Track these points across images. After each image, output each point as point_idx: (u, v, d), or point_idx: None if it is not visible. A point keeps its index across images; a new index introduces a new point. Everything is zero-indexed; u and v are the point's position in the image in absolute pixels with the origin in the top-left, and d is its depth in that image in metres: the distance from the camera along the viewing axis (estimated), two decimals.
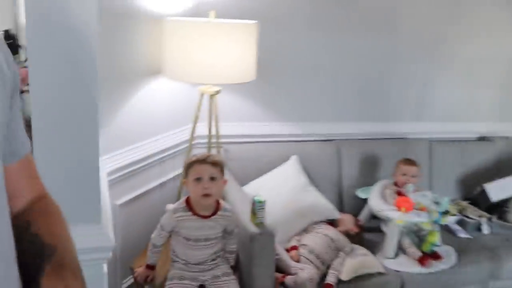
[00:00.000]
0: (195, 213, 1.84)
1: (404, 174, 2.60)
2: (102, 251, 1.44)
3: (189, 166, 1.84)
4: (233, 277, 1.93)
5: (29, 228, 0.75)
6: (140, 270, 1.97)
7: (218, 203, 1.89)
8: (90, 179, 1.39)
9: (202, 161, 1.82)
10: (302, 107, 2.88)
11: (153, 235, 1.90)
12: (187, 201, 1.86)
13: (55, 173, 1.35)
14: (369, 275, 2.29)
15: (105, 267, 1.50)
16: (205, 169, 1.81)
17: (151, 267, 1.96)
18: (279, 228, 2.30)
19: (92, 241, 1.42)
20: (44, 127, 1.31)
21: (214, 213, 1.86)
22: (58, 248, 0.81)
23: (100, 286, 1.50)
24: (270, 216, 2.26)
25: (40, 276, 0.75)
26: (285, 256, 2.22)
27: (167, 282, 1.87)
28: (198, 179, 1.80)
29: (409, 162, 2.63)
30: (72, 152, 1.35)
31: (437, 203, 2.48)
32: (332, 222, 2.54)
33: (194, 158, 1.85)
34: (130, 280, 2.32)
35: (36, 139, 1.31)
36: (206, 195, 1.80)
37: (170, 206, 1.88)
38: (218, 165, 1.83)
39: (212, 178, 1.80)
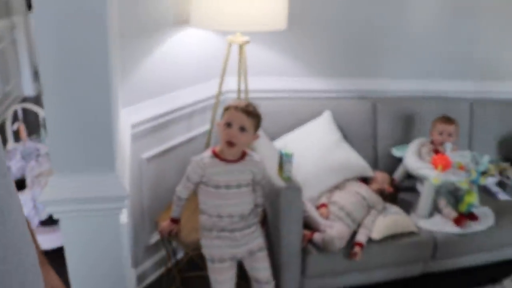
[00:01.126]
0: (222, 159, 1.76)
1: (441, 133, 2.48)
2: (116, 201, 1.42)
3: (225, 109, 1.76)
4: (265, 252, 1.88)
5: None
6: (164, 224, 1.95)
7: (244, 151, 1.81)
8: (102, 126, 1.37)
9: (238, 108, 1.72)
10: (336, 62, 2.75)
11: (178, 188, 1.85)
12: (213, 151, 1.79)
13: (66, 120, 1.34)
14: (401, 235, 2.24)
15: (122, 218, 1.49)
16: (237, 117, 1.71)
17: (175, 221, 1.94)
18: (310, 185, 2.26)
19: (106, 190, 1.40)
20: (52, 74, 1.28)
21: (241, 159, 1.79)
22: None
23: (116, 237, 1.49)
24: (301, 172, 2.21)
25: None
26: (314, 213, 2.17)
27: (208, 264, 1.83)
28: (229, 125, 1.72)
29: (446, 120, 2.50)
30: (83, 98, 1.32)
31: (476, 163, 2.37)
32: (366, 180, 2.47)
33: (233, 103, 1.76)
34: (158, 235, 2.33)
35: (45, 87, 1.30)
36: (230, 143, 1.71)
37: (196, 157, 1.81)
38: (253, 117, 1.73)
39: (242, 129, 1.71)
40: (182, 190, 1.84)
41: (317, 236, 2.10)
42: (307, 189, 2.19)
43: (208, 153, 1.79)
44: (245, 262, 1.88)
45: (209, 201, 1.78)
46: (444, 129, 2.48)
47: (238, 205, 1.78)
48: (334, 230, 2.08)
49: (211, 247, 1.81)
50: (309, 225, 2.14)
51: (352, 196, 2.27)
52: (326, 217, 2.19)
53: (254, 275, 1.88)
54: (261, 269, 1.86)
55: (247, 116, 1.71)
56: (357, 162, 2.47)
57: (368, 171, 2.49)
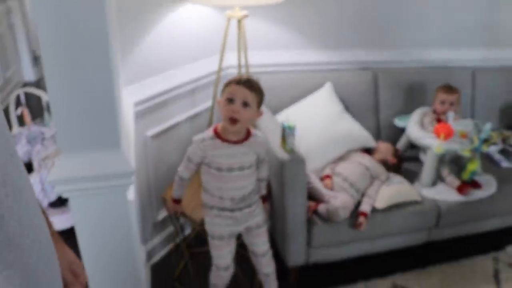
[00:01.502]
0: (224, 140, 1.69)
1: (443, 102, 2.49)
2: (123, 177, 1.45)
3: (226, 85, 1.67)
4: (264, 228, 1.89)
5: None
6: (168, 206, 1.93)
7: (248, 130, 1.74)
8: (106, 104, 1.38)
9: (241, 82, 1.64)
10: (336, 33, 2.74)
11: (180, 168, 1.80)
12: (215, 130, 1.72)
13: (70, 101, 1.35)
14: (405, 204, 2.26)
15: (129, 195, 1.51)
16: (240, 91, 1.62)
17: (177, 201, 1.90)
18: (313, 157, 2.28)
19: (112, 167, 1.43)
20: (53, 56, 1.30)
21: (245, 139, 1.72)
22: None
23: (125, 214, 1.52)
24: (304, 144, 2.23)
25: None
26: (318, 185, 2.20)
27: (209, 238, 1.85)
28: (230, 100, 1.63)
29: (448, 89, 2.50)
30: (85, 78, 1.33)
31: (478, 131, 2.38)
32: (369, 151, 2.49)
33: (234, 78, 1.68)
34: (165, 211, 2.36)
35: (47, 69, 1.31)
36: (233, 120, 1.63)
37: (197, 137, 1.74)
38: (256, 91, 1.65)
39: (245, 104, 1.62)
40: (184, 171, 1.79)
41: (321, 207, 2.13)
42: (310, 161, 2.21)
43: (209, 133, 1.72)
44: (244, 236, 1.91)
45: (212, 182, 1.75)
46: (446, 99, 2.48)
47: (240, 188, 1.75)
48: (338, 201, 2.11)
49: (211, 224, 1.82)
50: (313, 196, 2.16)
51: (355, 167, 2.28)
52: (330, 188, 2.21)
53: (252, 248, 1.91)
54: (259, 244, 1.89)
55: (249, 91, 1.63)
56: (360, 133, 2.48)
57: (371, 142, 2.51)
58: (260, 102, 1.69)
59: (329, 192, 2.17)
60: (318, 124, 2.39)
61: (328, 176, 2.26)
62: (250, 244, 1.91)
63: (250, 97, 1.63)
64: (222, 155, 1.69)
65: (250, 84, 1.65)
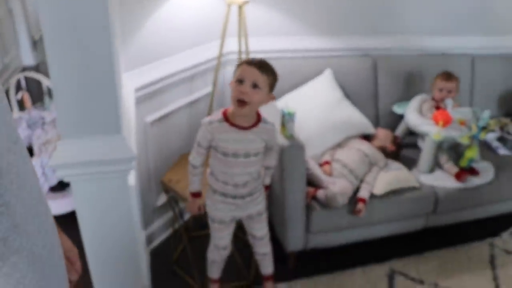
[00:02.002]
0: (232, 125, 1.66)
1: (441, 90, 2.49)
2: (124, 162, 1.46)
3: (237, 66, 1.64)
4: (264, 215, 1.89)
5: None
6: (189, 204, 1.87)
7: (259, 116, 1.70)
8: (107, 90, 1.39)
9: (252, 63, 1.59)
10: (336, 19, 2.72)
11: (190, 156, 1.76)
12: (224, 113, 1.68)
13: (71, 86, 1.36)
14: (403, 190, 2.28)
15: (130, 180, 1.52)
16: (250, 72, 1.58)
17: (196, 195, 1.83)
18: (312, 143, 2.29)
19: (113, 152, 1.44)
20: (55, 41, 1.30)
21: (254, 125, 1.68)
22: None
23: (125, 199, 1.53)
24: (303, 130, 2.24)
25: None
26: (317, 171, 2.21)
27: (210, 223, 1.85)
28: (240, 81, 1.58)
29: (447, 77, 2.50)
30: (86, 64, 1.34)
31: (477, 119, 2.38)
32: (367, 138, 2.50)
33: (246, 59, 1.66)
34: (164, 196, 2.38)
35: (49, 54, 1.31)
36: (241, 102, 1.58)
37: (205, 119, 1.71)
38: (267, 73, 1.60)
39: (255, 85, 1.58)
40: (196, 157, 1.74)
41: (320, 193, 2.14)
42: (310, 148, 2.23)
43: (218, 116, 1.68)
44: (244, 221, 1.92)
45: (218, 167, 1.73)
46: (444, 86, 2.48)
47: (243, 175, 1.73)
48: (337, 187, 2.12)
49: (213, 209, 1.82)
50: (312, 182, 2.18)
51: (354, 154, 2.30)
52: (329, 174, 2.23)
53: (251, 232, 1.93)
54: (258, 228, 1.91)
55: (260, 72, 1.58)
56: (359, 120, 2.49)
57: (370, 129, 2.51)
58: (272, 85, 1.65)
59: (327, 178, 2.19)
60: (317, 110, 2.40)
61: (327, 162, 2.28)
62: (250, 228, 1.92)
63: (261, 78, 1.59)
64: (229, 140, 1.66)
65: (261, 65, 1.61)
